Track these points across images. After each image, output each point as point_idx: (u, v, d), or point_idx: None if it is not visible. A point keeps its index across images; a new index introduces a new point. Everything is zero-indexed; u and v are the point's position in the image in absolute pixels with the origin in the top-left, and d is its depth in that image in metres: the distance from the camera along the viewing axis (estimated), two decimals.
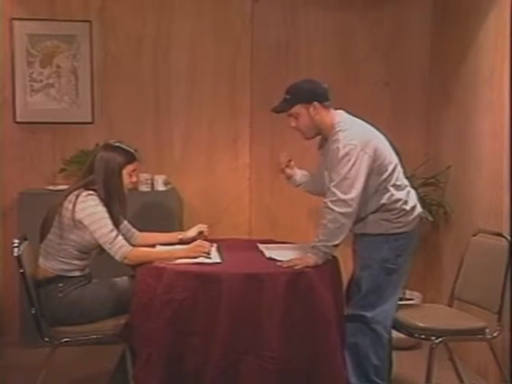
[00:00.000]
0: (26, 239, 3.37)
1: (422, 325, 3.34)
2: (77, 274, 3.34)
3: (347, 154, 3.19)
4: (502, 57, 3.79)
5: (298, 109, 3.33)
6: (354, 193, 3.18)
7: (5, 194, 4.54)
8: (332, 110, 3.39)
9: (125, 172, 3.37)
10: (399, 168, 3.41)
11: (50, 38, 4.54)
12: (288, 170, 3.66)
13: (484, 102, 4.07)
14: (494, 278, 3.35)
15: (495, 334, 3.36)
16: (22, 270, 3.17)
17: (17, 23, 4.49)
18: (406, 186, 3.42)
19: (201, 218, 4.50)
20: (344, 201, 3.17)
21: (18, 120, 4.57)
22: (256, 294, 3.02)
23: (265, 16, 4.78)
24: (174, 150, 4.76)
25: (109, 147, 3.41)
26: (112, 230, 3.25)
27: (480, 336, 3.37)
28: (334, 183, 3.22)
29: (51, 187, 4.42)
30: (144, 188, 4.47)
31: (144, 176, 4.46)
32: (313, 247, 3.23)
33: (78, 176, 3.44)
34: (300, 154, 4.53)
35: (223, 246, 3.60)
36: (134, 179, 3.47)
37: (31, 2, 4.54)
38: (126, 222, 3.56)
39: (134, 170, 3.42)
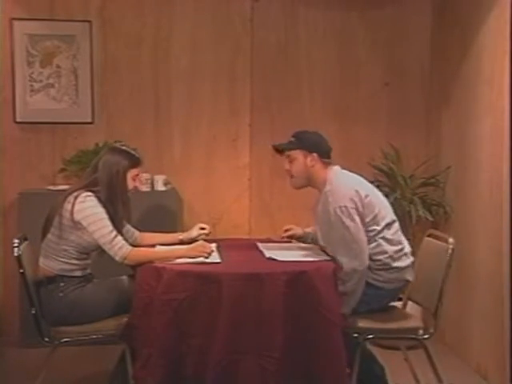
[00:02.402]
0: (26, 239, 3.36)
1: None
2: (78, 273, 3.33)
3: (339, 216, 3.19)
4: (502, 57, 3.78)
5: (296, 153, 3.36)
6: (361, 256, 3.19)
7: (5, 194, 4.54)
8: (328, 168, 3.38)
9: (129, 176, 3.37)
10: (396, 225, 3.37)
11: (50, 38, 4.54)
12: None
13: (484, 102, 4.07)
14: (437, 280, 3.33)
15: (426, 336, 3.34)
16: (22, 270, 3.16)
17: (17, 23, 4.49)
18: (400, 244, 3.35)
19: (201, 218, 4.50)
20: (354, 270, 3.18)
21: (18, 120, 4.56)
22: (256, 293, 3.01)
23: (265, 16, 4.78)
24: (174, 150, 4.76)
25: (115, 150, 3.42)
26: (111, 231, 3.24)
27: (412, 336, 3.37)
28: (337, 252, 3.23)
29: (51, 187, 4.42)
30: (144, 188, 4.46)
31: (144, 176, 4.45)
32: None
33: (81, 176, 3.44)
34: None
35: (223, 245, 3.60)
36: (138, 183, 3.48)
37: (31, 2, 4.54)
38: (124, 222, 3.56)
39: (137, 175, 3.43)
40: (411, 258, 3.40)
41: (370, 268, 3.26)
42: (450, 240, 3.36)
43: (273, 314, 3.00)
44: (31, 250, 3.38)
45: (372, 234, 3.28)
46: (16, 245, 3.17)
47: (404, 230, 4.30)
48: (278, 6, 4.79)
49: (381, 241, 3.29)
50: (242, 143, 4.84)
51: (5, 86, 4.53)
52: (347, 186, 3.31)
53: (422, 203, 4.48)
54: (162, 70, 4.71)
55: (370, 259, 3.26)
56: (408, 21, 4.89)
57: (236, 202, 4.83)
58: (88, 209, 3.23)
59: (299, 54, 4.83)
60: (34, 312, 3.20)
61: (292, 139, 3.41)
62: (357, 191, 3.28)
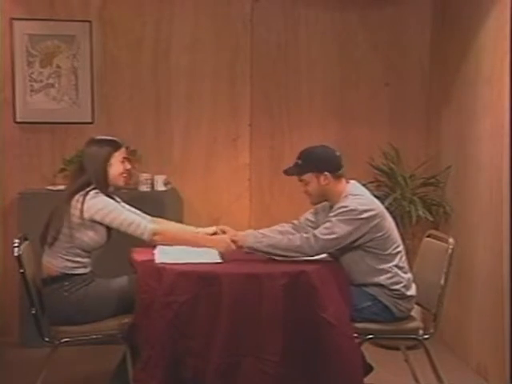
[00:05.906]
0: (26, 239, 3.37)
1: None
2: (80, 271, 3.33)
3: (347, 212, 3.21)
4: (502, 57, 3.79)
5: (308, 177, 3.35)
6: (330, 245, 3.22)
7: (5, 194, 4.55)
8: (344, 180, 3.38)
9: (114, 161, 3.38)
10: (404, 253, 3.38)
11: (50, 37, 4.54)
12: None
13: (484, 101, 4.07)
14: (438, 280, 3.34)
15: (426, 336, 3.34)
16: (22, 270, 3.16)
17: (17, 23, 4.49)
18: (410, 272, 3.38)
19: (201, 218, 4.50)
20: (302, 245, 3.21)
21: (18, 120, 4.56)
22: (256, 294, 3.01)
23: (265, 16, 4.78)
24: (174, 150, 4.76)
25: (91, 142, 3.44)
26: (129, 215, 3.29)
27: (412, 336, 3.37)
28: (322, 227, 3.25)
29: (51, 187, 4.43)
30: (144, 188, 4.46)
31: (144, 176, 4.46)
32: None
33: (71, 177, 3.45)
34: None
35: None
36: (128, 166, 3.47)
37: (31, 2, 4.54)
38: (130, 207, 3.56)
39: (124, 157, 3.43)
40: (414, 287, 3.40)
41: (388, 295, 3.28)
42: (450, 240, 3.36)
43: (273, 316, 2.99)
44: (31, 250, 3.38)
45: (383, 254, 3.28)
46: (16, 245, 3.17)
47: (404, 230, 4.33)
48: (277, 6, 4.79)
49: (397, 270, 3.30)
50: (241, 143, 4.83)
51: (5, 86, 4.54)
52: (366, 197, 3.34)
53: (422, 203, 4.48)
54: (162, 70, 4.71)
55: (389, 289, 3.27)
56: (408, 21, 4.89)
57: (236, 201, 4.83)
58: (98, 204, 3.25)
59: (299, 54, 4.83)
60: (34, 312, 3.20)
61: (299, 161, 3.37)
62: (374, 204, 3.30)
